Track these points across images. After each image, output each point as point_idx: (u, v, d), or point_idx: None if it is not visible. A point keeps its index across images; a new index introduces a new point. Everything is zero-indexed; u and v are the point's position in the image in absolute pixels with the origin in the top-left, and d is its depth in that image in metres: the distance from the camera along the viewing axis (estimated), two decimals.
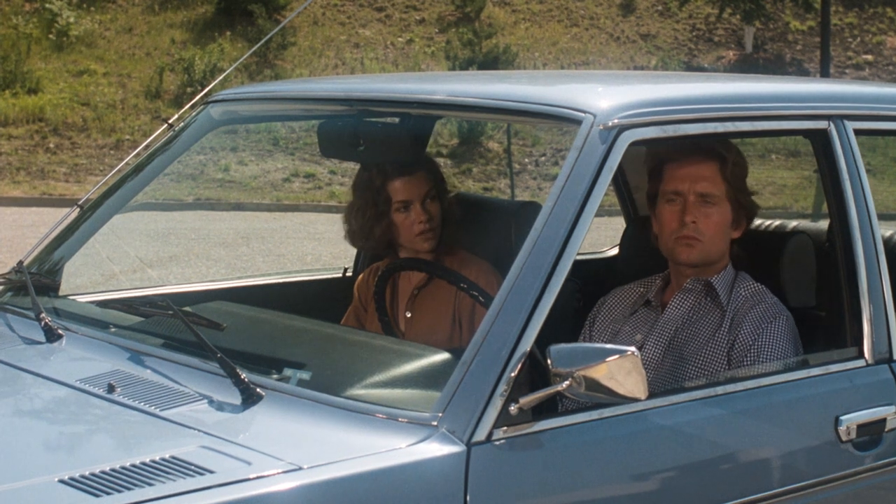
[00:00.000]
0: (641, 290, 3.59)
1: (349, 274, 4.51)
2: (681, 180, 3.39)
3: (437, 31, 27.20)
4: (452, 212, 3.96)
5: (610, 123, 2.84)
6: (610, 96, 2.97)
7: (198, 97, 3.98)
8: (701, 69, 25.88)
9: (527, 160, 20.58)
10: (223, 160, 18.66)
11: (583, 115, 2.87)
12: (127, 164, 3.92)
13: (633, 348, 2.56)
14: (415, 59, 25.41)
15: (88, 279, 6.22)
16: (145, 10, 26.53)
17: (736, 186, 3.42)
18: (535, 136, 20.98)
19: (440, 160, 20.12)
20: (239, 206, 17.03)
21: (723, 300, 3.38)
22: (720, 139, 3.41)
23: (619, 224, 4.62)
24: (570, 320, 3.73)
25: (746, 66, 26.53)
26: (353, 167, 4.64)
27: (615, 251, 4.67)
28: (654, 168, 3.48)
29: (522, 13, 28.40)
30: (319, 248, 13.88)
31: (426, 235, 3.88)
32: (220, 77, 4.28)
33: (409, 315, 3.93)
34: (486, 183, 19.79)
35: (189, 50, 23.61)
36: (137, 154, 3.91)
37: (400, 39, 26.68)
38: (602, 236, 5.71)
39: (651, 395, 2.70)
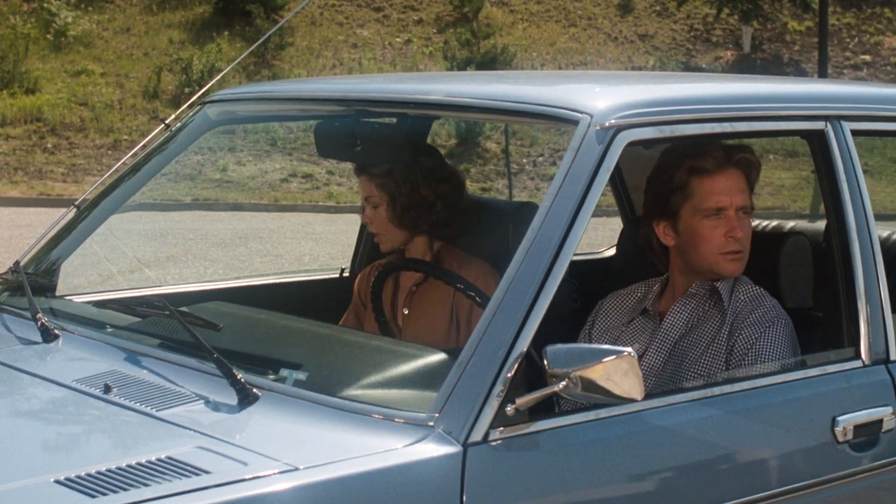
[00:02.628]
0: (639, 294, 3.57)
1: (346, 274, 4.51)
2: (722, 195, 3.35)
3: (435, 31, 27.20)
4: (424, 218, 3.88)
5: (607, 124, 2.84)
6: (607, 96, 2.97)
7: (195, 97, 3.98)
8: (699, 69, 25.88)
9: (525, 160, 20.59)
10: (221, 160, 18.67)
11: (579, 115, 2.87)
12: (124, 164, 3.92)
13: (629, 349, 2.56)
14: (413, 59, 25.41)
15: (85, 279, 6.21)
16: (143, 10, 26.53)
17: (753, 190, 3.44)
18: (533, 137, 20.98)
19: None
20: (237, 207, 17.03)
21: (726, 304, 3.37)
22: (742, 145, 3.42)
23: (616, 224, 4.62)
24: (566, 321, 3.72)
25: (744, 66, 26.53)
26: (350, 167, 4.65)
27: (613, 251, 4.67)
28: (678, 181, 3.40)
29: (520, 13, 28.40)
30: (317, 248, 13.89)
31: (376, 238, 3.95)
32: (218, 77, 4.28)
33: (406, 312, 3.93)
34: (484, 183, 19.79)
35: (187, 50, 23.61)
36: (135, 154, 3.91)
37: (398, 40, 26.67)
38: (599, 237, 5.71)
39: (648, 396, 2.70)
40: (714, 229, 3.36)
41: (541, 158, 20.63)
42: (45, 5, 25.20)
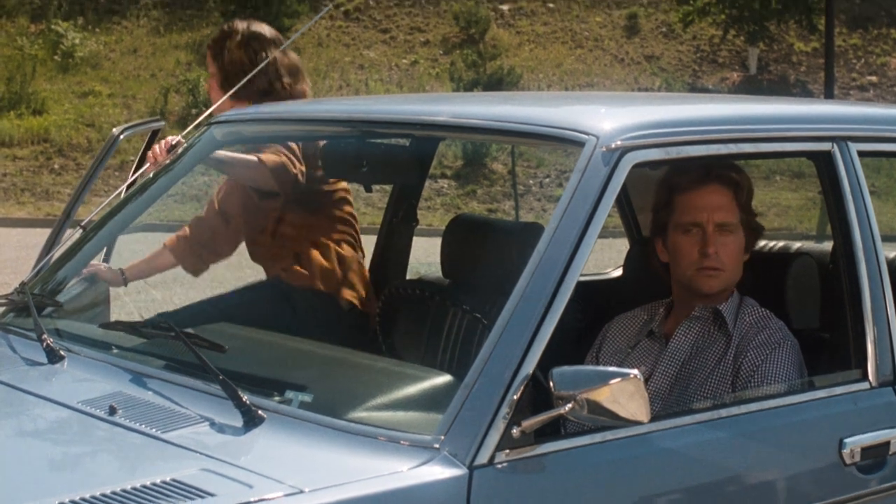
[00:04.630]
0: (645, 317, 3.56)
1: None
2: (698, 210, 3.36)
3: (441, 52, 27.25)
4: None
5: (613, 145, 2.84)
6: (613, 118, 2.97)
7: (201, 118, 3.99)
8: (705, 90, 25.90)
9: (531, 181, 20.59)
10: None
11: (586, 136, 2.87)
12: (130, 184, 3.92)
13: (635, 371, 2.55)
14: (419, 80, 25.45)
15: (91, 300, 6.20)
16: (150, 31, 26.61)
17: (747, 211, 3.42)
18: (539, 158, 20.99)
19: (444, 182, 20.15)
20: None
21: (730, 327, 3.36)
22: (728, 163, 3.41)
23: (622, 245, 4.61)
24: (572, 342, 3.72)
25: (751, 87, 26.55)
26: (357, 188, 4.65)
27: (619, 272, 4.66)
28: (662, 197, 3.45)
29: (527, 35, 28.45)
30: None
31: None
32: (224, 97, 4.28)
33: None
34: (491, 204, 19.79)
35: (194, 71, 23.66)
36: (141, 175, 3.91)
37: (404, 61, 26.72)
38: (605, 257, 5.71)
39: (654, 418, 2.69)
40: (690, 245, 3.37)
41: (547, 179, 20.64)
42: (53, 27, 25.29)
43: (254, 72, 4.31)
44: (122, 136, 4.12)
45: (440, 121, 3.36)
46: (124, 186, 3.92)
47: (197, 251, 4.50)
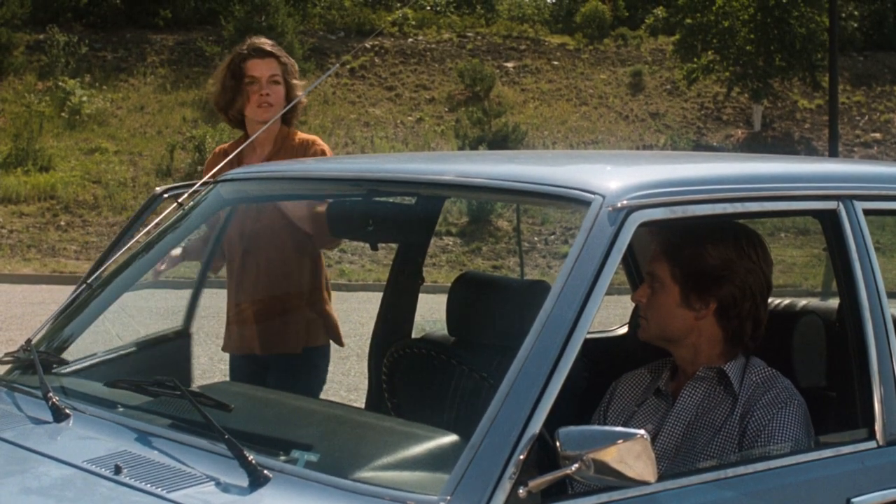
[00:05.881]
0: (651, 375, 3.56)
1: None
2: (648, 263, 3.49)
3: (446, 109, 27.36)
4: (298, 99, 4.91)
5: (619, 205, 2.84)
6: (618, 177, 2.98)
7: (207, 176, 4.00)
8: (710, 148, 25.97)
9: (536, 238, 20.62)
10: None
11: (592, 196, 2.88)
12: (137, 242, 3.93)
13: (642, 431, 2.54)
14: (425, 137, 25.55)
15: (97, 358, 6.20)
16: (157, 88, 26.75)
17: (689, 270, 3.43)
18: (544, 215, 21.04)
19: (449, 239, 20.17)
20: None
21: (735, 387, 3.35)
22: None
23: (627, 302, 4.60)
24: (576, 399, 3.71)
25: (755, 144, 26.64)
26: (363, 247, 4.67)
27: (624, 329, 4.65)
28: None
29: (531, 92, 28.58)
30: None
31: (264, 107, 4.82)
32: (231, 156, 4.30)
33: None
34: (496, 261, 19.81)
35: (200, 128, 23.78)
36: (147, 232, 3.92)
37: (409, 118, 26.83)
38: (610, 314, 5.70)
39: (661, 478, 2.68)
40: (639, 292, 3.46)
41: (552, 237, 20.67)
42: (61, 84, 25.44)
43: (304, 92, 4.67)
44: (165, 196, 4.09)
45: (447, 180, 3.37)
46: (129, 245, 3.92)
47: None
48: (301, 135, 4.98)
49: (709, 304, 3.37)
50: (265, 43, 5.00)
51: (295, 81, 5.02)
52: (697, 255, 3.37)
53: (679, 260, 3.37)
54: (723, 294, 3.37)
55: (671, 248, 3.38)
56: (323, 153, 4.89)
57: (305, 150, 4.86)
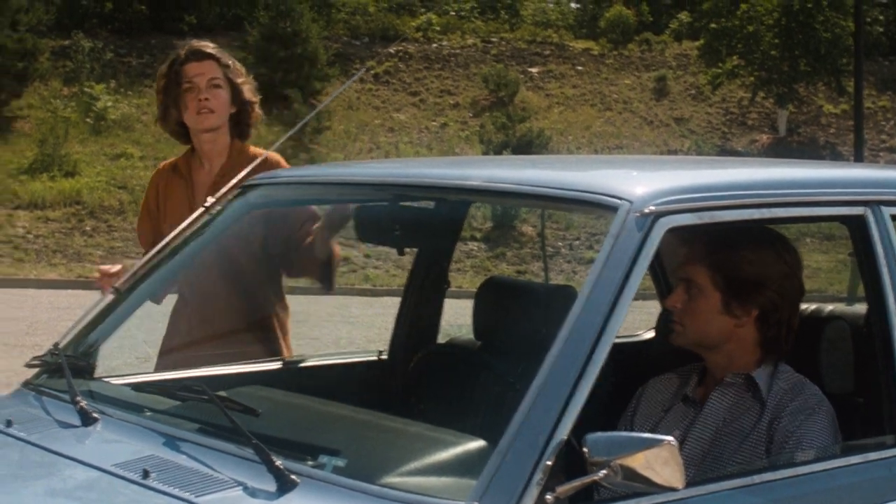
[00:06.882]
0: (679, 381, 3.55)
1: (384, 357, 4.50)
2: (680, 267, 3.48)
3: (471, 115, 27.37)
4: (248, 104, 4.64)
5: (646, 210, 2.84)
6: (646, 182, 2.98)
7: (234, 181, 4.00)
8: (735, 153, 25.92)
9: (560, 244, 20.60)
10: None
11: (619, 201, 2.87)
12: (163, 247, 3.93)
13: (670, 437, 2.54)
14: (449, 142, 25.57)
15: (123, 362, 6.23)
16: None
17: (727, 276, 3.44)
18: (568, 220, 21.02)
19: (474, 244, 20.17)
20: None
21: (763, 394, 3.34)
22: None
23: (654, 307, 4.60)
24: (603, 404, 3.70)
25: (780, 149, 26.58)
26: (387, 251, 4.66)
27: (651, 334, 4.64)
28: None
29: (556, 97, 28.57)
30: (354, 331, 13.89)
31: (204, 114, 4.53)
32: (257, 161, 4.30)
33: None
34: (520, 266, 19.81)
35: None
36: (174, 237, 3.92)
37: (434, 123, 26.86)
38: (637, 319, 5.69)
39: (688, 484, 2.67)
40: (674, 297, 3.45)
41: (577, 242, 20.65)
42: (86, 89, 25.52)
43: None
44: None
45: (473, 185, 3.37)
46: (155, 251, 3.92)
47: None
48: (254, 149, 4.72)
49: (750, 311, 3.36)
50: (204, 45, 4.66)
51: (242, 80, 4.66)
52: (737, 261, 3.37)
53: (720, 266, 3.36)
54: (763, 301, 3.36)
55: (710, 254, 3.37)
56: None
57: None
